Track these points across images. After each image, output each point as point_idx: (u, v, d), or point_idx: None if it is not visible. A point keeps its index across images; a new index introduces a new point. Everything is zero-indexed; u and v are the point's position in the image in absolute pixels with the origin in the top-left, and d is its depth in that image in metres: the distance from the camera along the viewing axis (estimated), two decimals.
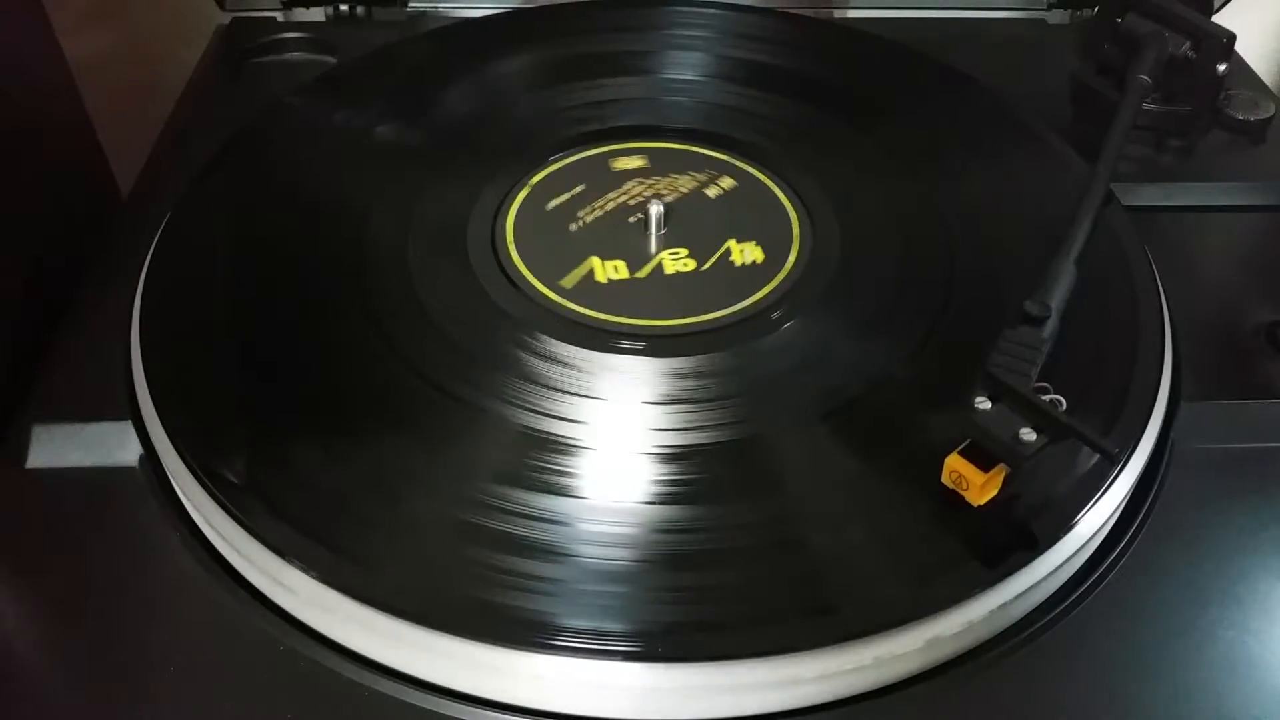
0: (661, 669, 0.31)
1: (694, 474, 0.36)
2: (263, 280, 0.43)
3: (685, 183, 0.48)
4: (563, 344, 0.40)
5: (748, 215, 0.47)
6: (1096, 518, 0.35)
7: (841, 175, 0.48)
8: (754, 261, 0.44)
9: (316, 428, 0.37)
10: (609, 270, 0.43)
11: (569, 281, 0.43)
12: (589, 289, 0.43)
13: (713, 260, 0.44)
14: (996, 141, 0.51)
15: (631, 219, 0.46)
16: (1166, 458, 0.39)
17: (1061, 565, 0.34)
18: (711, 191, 0.48)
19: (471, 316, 0.41)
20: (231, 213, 0.47)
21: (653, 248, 0.45)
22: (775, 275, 0.44)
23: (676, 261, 0.44)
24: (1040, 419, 0.33)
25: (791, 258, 0.44)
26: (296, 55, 0.61)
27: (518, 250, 0.44)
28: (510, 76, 0.55)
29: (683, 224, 0.46)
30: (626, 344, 0.40)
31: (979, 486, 0.33)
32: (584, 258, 0.44)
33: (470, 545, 0.34)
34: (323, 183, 0.48)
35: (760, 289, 0.43)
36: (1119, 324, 0.42)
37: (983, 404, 0.34)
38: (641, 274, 0.44)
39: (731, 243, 0.45)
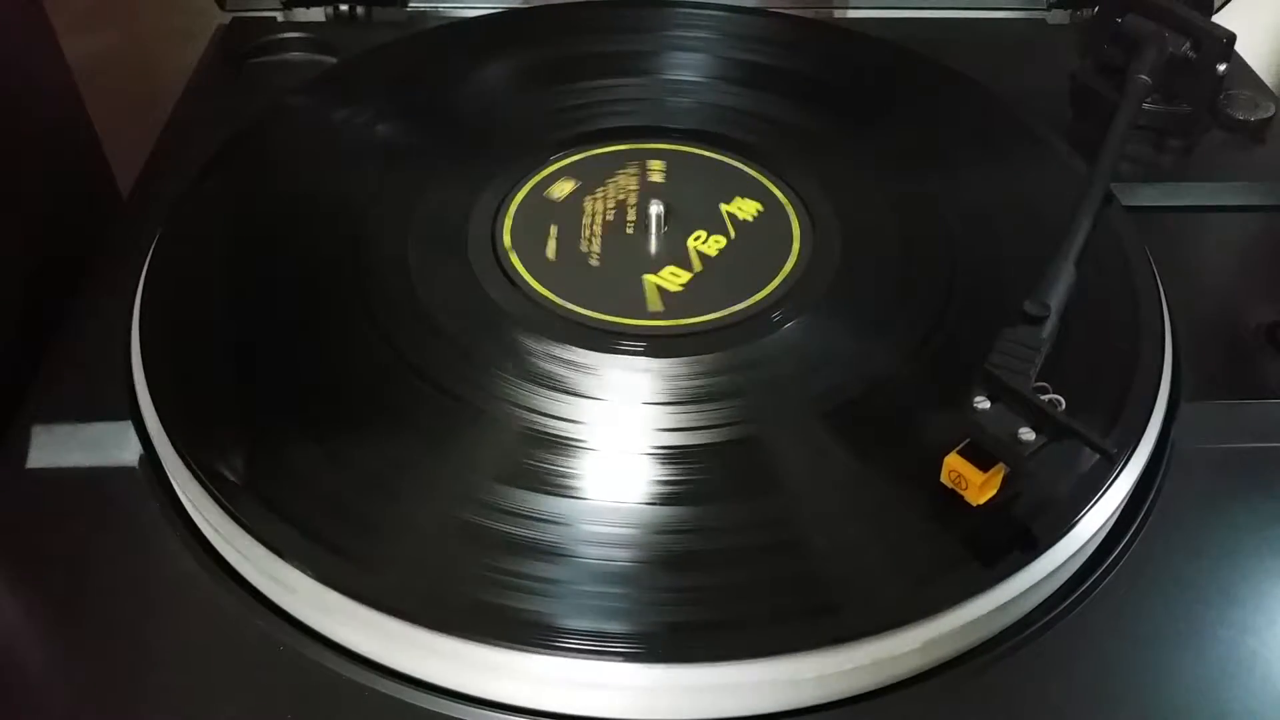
0: (661, 669, 0.31)
1: (694, 474, 0.36)
2: (262, 280, 0.43)
3: (626, 180, 0.48)
4: (563, 344, 0.40)
5: (706, 180, 0.48)
6: (1096, 518, 0.35)
7: (842, 175, 0.48)
8: (758, 211, 0.46)
9: (316, 428, 0.37)
10: (672, 279, 0.43)
11: (654, 305, 0.42)
12: (677, 302, 0.42)
13: (732, 227, 0.45)
14: (996, 141, 0.51)
15: (629, 230, 0.46)
16: (1166, 458, 0.39)
17: (1061, 565, 0.34)
18: (655, 177, 0.48)
19: (472, 316, 0.41)
20: (231, 213, 0.47)
21: (679, 243, 0.45)
22: (783, 261, 0.44)
23: (709, 244, 0.45)
24: (1039, 418, 0.33)
25: (792, 258, 0.44)
26: (296, 55, 0.60)
27: (517, 251, 0.44)
28: (510, 76, 0.55)
29: (671, 214, 0.46)
30: (627, 344, 0.40)
31: (978, 486, 0.33)
32: (638, 282, 0.43)
33: (470, 545, 0.34)
34: (322, 182, 0.48)
35: (783, 257, 0.44)
36: (1119, 324, 0.42)
37: (982, 403, 0.34)
38: (697, 268, 0.44)
39: (724, 206, 0.46)
